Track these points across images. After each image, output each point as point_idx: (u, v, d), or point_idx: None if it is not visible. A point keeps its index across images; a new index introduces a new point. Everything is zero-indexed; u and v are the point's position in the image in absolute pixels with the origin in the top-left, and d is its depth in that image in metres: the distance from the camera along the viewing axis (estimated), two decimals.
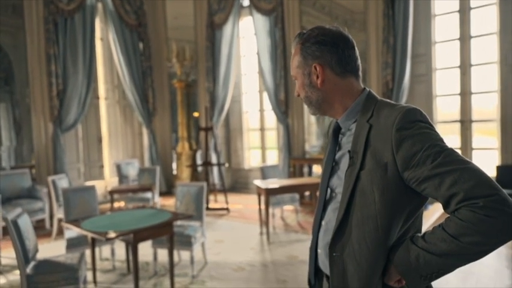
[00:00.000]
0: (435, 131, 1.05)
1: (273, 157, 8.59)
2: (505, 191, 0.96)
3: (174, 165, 8.82)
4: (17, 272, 3.40)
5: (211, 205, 7.12)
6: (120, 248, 4.49)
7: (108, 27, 7.86)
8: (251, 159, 9.09)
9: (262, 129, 8.63)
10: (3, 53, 6.75)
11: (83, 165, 7.74)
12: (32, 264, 3.05)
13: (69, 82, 6.98)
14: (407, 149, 1.02)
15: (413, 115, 1.05)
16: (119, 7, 7.82)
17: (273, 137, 8.50)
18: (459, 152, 1.03)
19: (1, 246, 4.71)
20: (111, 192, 5.99)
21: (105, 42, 8.19)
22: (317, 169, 7.38)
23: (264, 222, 5.25)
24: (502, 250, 4.20)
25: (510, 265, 3.95)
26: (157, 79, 8.66)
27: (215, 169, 7.98)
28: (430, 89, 6.30)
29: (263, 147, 8.64)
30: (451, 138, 6.15)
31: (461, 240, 0.94)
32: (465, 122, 6.06)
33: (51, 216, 5.95)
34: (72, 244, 3.95)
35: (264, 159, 8.58)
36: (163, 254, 4.13)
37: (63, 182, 5.69)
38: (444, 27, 6.26)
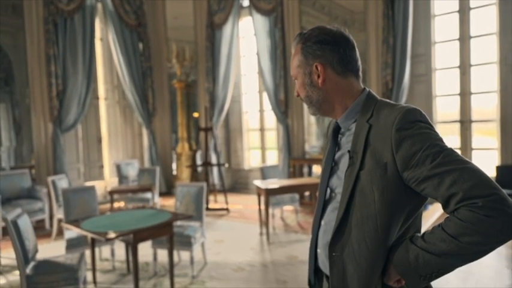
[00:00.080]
0: (435, 131, 1.05)
1: (273, 157, 8.59)
2: (505, 191, 0.96)
3: (174, 166, 8.82)
4: (17, 272, 3.40)
5: (211, 205, 7.12)
6: (120, 249, 4.49)
7: (108, 28, 7.86)
8: (251, 159, 9.09)
9: (262, 129, 8.63)
10: (3, 54, 6.76)
11: (82, 166, 7.74)
12: (31, 264, 3.04)
13: (69, 82, 6.98)
14: (406, 149, 1.02)
15: (413, 115, 1.05)
16: (119, 7, 7.82)
17: (272, 137, 8.50)
18: (459, 152, 1.03)
19: (1, 246, 4.71)
20: (111, 193, 5.99)
21: (105, 42, 8.19)
22: (317, 169, 7.38)
23: (264, 222, 5.25)
24: (502, 250, 4.20)
25: (510, 265, 3.95)
26: (157, 79, 8.66)
27: (215, 169, 7.98)
28: (429, 89, 6.30)
29: (263, 148, 8.64)
30: (451, 139, 6.16)
31: (460, 240, 0.95)
32: (465, 122, 6.07)
33: (51, 217, 5.95)
34: (72, 244, 3.95)
35: (263, 159, 8.58)
36: (163, 254, 4.13)
37: (63, 182, 5.69)
38: (444, 27, 6.26)
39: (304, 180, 6.26)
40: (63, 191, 4.24)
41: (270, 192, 5.16)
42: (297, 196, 5.88)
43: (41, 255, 3.39)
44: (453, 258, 0.97)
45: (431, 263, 0.99)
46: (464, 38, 6.00)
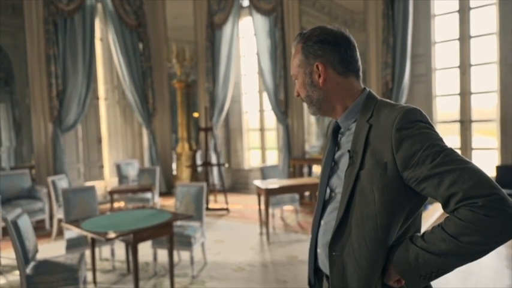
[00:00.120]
0: (435, 131, 1.05)
1: (273, 157, 8.59)
2: (505, 191, 0.96)
3: (174, 166, 8.82)
4: (17, 272, 3.40)
5: (211, 205, 7.12)
6: (120, 249, 4.49)
7: (108, 28, 7.86)
8: (251, 159, 9.09)
9: (262, 129, 8.63)
10: (3, 54, 6.76)
11: (82, 166, 7.74)
12: (31, 264, 3.04)
13: (69, 82, 6.98)
14: (407, 148, 1.02)
15: (413, 115, 1.05)
16: (119, 7, 7.82)
17: (272, 137, 8.50)
18: (459, 152, 1.03)
19: (1, 246, 4.71)
20: (111, 193, 5.99)
21: (105, 42, 8.19)
22: (317, 169, 7.38)
23: (264, 222, 5.25)
24: (502, 250, 4.20)
25: (510, 265, 3.95)
26: (157, 79, 8.66)
27: (215, 169, 7.98)
28: (429, 89, 6.30)
29: (263, 148, 8.64)
30: (451, 138, 6.16)
31: (460, 239, 0.95)
32: (465, 122, 6.07)
33: (51, 217, 5.95)
34: (72, 244, 3.95)
35: (263, 159, 8.58)
36: (163, 254, 4.13)
37: (63, 183, 5.69)
38: (444, 27, 6.26)
39: (304, 180, 6.26)
40: (63, 191, 4.24)
41: (270, 192, 5.16)
42: (297, 196, 5.88)
43: (41, 255, 3.39)
44: (453, 258, 0.97)
45: (431, 263, 0.99)
46: (464, 38, 6.00)
